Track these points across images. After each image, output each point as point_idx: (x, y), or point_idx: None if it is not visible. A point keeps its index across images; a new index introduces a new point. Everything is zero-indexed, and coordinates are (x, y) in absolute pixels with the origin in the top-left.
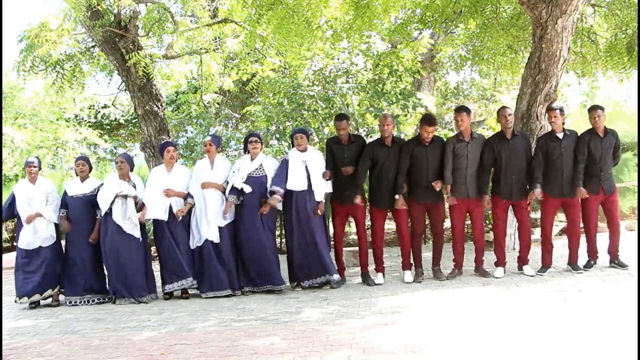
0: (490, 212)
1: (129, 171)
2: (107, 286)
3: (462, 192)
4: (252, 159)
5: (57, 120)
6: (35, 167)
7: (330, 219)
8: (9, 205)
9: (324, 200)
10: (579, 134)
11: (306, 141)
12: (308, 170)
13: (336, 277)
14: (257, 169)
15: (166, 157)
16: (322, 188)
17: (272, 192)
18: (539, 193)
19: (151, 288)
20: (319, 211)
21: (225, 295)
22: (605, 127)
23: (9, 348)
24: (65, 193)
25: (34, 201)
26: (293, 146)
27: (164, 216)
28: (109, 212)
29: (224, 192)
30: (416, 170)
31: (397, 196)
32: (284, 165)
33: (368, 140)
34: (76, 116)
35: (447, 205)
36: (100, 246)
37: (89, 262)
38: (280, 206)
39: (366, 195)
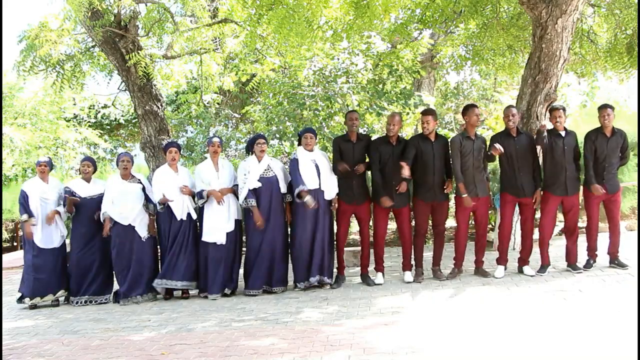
0: (490, 212)
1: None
2: (118, 286)
3: (470, 191)
4: (258, 161)
5: (57, 119)
6: (46, 166)
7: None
8: (23, 204)
9: (336, 197)
10: (584, 133)
11: (314, 141)
12: (318, 169)
13: (328, 280)
14: (266, 169)
15: (168, 158)
16: (332, 187)
17: (299, 195)
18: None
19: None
20: (333, 206)
21: (214, 298)
22: (613, 127)
23: (9, 348)
24: (71, 193)
25: (49, 201)
26: (299, 145)
27: (184, 215)
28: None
29: (234, 194)
30: (422, 168)
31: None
32: (295, 165)
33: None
34: (76, 116)
35: (451, 204)
36: (102, 247)
37: (94, 263)
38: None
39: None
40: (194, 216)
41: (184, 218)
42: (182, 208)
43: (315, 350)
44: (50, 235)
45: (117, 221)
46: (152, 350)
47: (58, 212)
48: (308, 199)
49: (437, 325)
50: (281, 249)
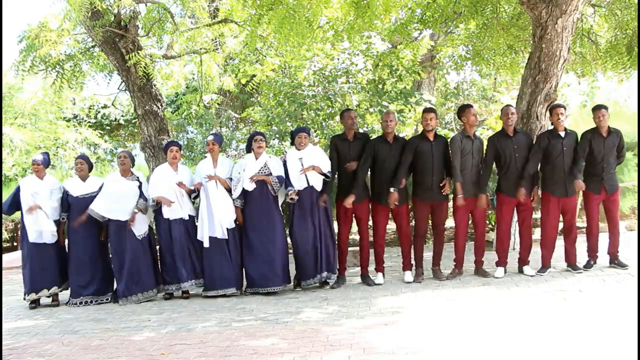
0: (490, 211)
1: (131, 167)
2: (116, 285)
3: (469, 191)
4: (256, 158)
5: (56, 119)
6: (39, 164)
7: (335, 219)
8: (12, 197)
9: (325, 193)
10: (580, 134)
11: (308, 141)
12: (302, 166)
13: (334, 277)
14: (262, 168)
15: (169, 157)
16: (319, 181)
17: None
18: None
19: (158, 285)
20: (322, 202)
21: (230, 294)
22: (609, 126)
23: (9, 348)
24: (67, 193)
25: (39, 195)
26: (292, 144)
27: (181, 213)
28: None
29: (228, 190)
30: (421, 168)
31: (392, 189)
32: (285, 167)
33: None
34: (76, 116)
35: (450, 204)
36: (102, 246)
37: (93, 262)
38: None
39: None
40: (192, 213)
41: (177, 218)
42: (177, 210)
43: (315, 350)
44: (40, 230)
45: (107, 216)
46: (152, 350)
47: (39, 207)
48: (289, 194)
49: (437, 325)
50: (278, 249)
